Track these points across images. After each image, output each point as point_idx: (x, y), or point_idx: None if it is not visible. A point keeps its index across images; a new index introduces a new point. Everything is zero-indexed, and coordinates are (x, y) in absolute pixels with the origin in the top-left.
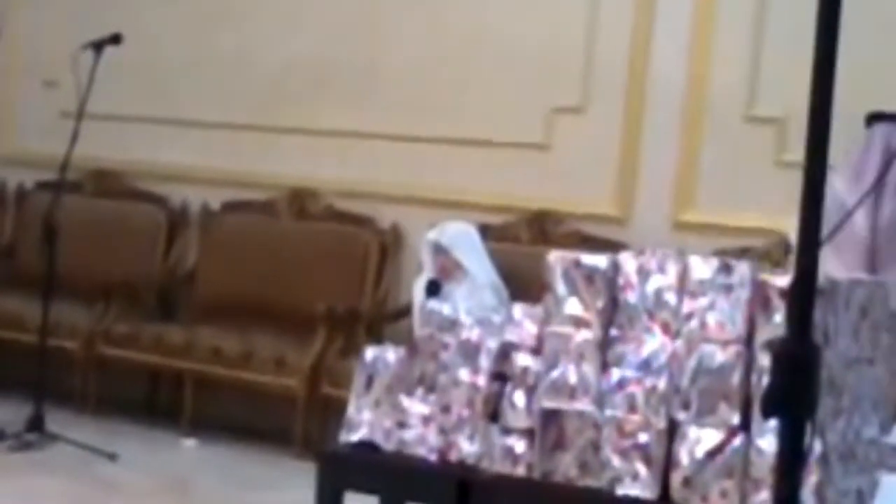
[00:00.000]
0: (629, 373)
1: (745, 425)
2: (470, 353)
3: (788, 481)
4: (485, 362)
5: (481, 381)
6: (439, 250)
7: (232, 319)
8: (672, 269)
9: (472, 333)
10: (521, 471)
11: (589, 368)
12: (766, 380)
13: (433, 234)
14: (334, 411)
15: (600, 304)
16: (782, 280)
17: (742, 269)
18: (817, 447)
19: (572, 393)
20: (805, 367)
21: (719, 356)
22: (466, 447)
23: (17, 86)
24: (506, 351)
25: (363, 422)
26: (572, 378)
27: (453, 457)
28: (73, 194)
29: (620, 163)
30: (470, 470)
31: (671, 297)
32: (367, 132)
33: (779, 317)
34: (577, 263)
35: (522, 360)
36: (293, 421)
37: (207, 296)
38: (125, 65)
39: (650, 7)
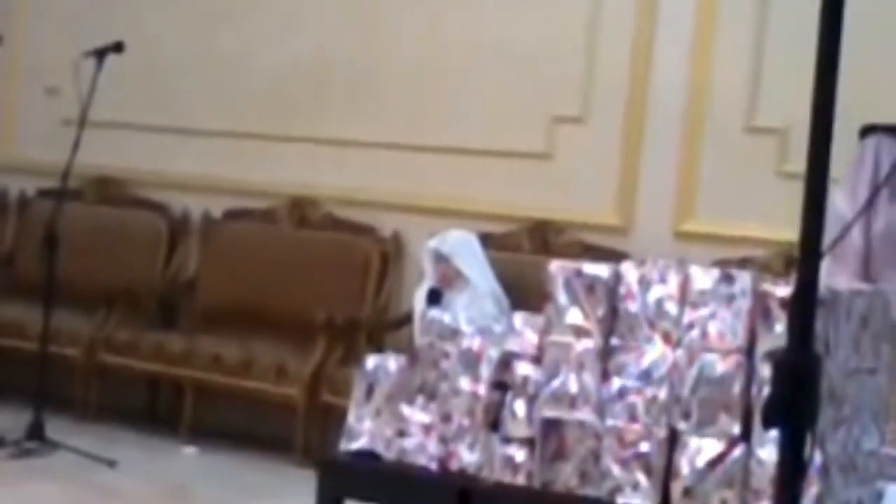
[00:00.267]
0: (630, 382)
1: (746, 435)
2: (471, 361)
3: (789, 492)
4: (485, 371)
5: (482, 390)
6: (440, 259)
7: (232, 327)
8: (673, 279)
9: (472, 342)
10: (521, 480)
11: (590, 378)
12: (766, 390)
13: (434, 242)
14: (334, 419)
15: (601, 313)
16: (783, 290)
17: (743, 279)
18: (818, 458)
19: (573, 402)
20: (806, 377)
21: (720, 366)
22: (467, 456)
23: (19, 93)
24: (506, 360)
25: (364, 430)
26: (573, 387)
27: (454, 466)
28: (74, 202)
29: (622, 172)
30: (470, 479)
31: (672, 307)
32: (368, 141)
33: (780, 327)
34: (579, 273)
35: (523, 369)
36: (293, 429)
37: (208, 304)
38: (127, 73)
39: (651, 17)
